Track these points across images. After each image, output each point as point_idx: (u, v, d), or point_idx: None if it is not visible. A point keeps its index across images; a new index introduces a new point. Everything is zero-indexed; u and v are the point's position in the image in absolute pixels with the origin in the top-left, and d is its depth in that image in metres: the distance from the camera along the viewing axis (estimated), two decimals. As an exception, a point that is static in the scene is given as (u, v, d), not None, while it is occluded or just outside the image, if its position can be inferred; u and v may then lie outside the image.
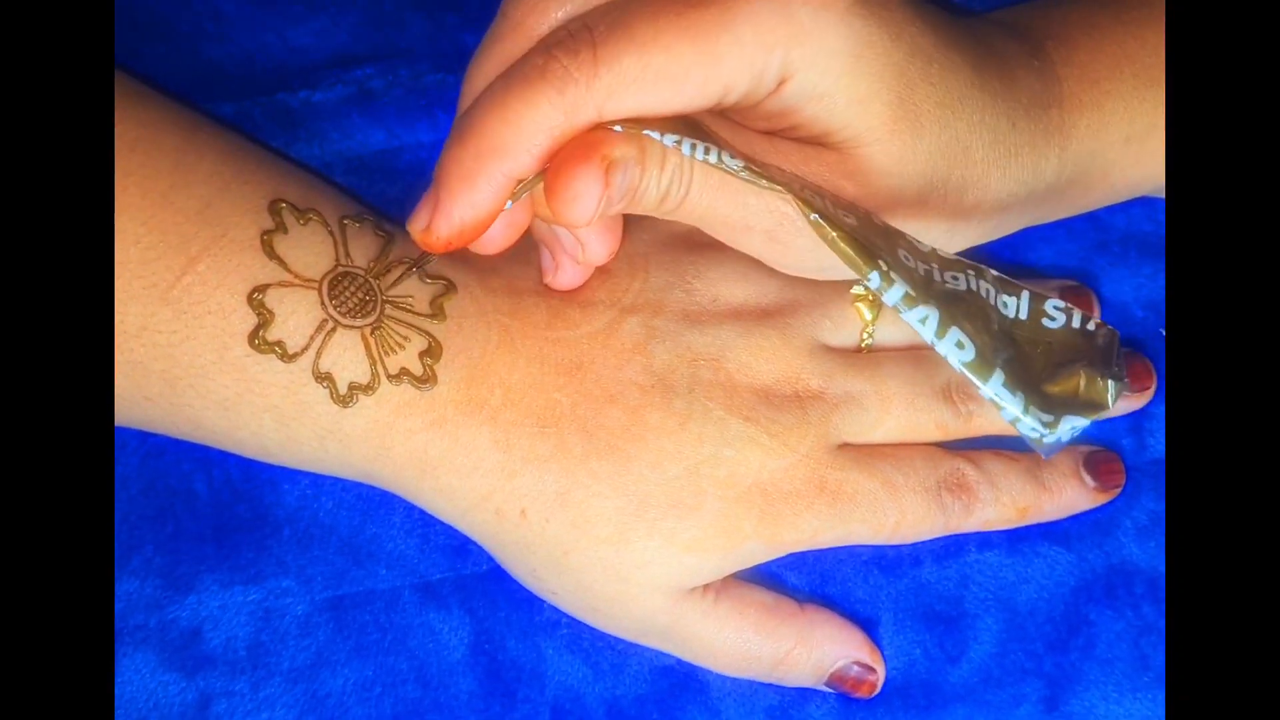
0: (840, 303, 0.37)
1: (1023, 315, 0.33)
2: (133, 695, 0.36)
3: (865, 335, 0.37)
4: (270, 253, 0.33)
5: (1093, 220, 0.40)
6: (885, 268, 0.30)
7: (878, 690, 0.36)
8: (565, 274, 0.35)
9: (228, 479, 0.37)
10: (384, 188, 0.39)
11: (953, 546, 0.37)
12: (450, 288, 0.35)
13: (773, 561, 0.36)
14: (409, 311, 0.34)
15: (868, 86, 0.31)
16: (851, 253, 0.29)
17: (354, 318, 0.34)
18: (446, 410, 0.34)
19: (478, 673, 0.36)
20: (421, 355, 0.34)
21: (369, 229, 0.35)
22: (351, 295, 0.34)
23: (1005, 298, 0.33)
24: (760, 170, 0.30)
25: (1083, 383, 0.32)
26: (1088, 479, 0.37)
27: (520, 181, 0.30)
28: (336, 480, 0.37)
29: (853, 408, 0.36)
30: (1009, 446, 0.37)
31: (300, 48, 0.39)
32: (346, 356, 0.33)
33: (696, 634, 0.35)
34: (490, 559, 0.37)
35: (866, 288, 0.37)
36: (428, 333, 0.34)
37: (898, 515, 0.35)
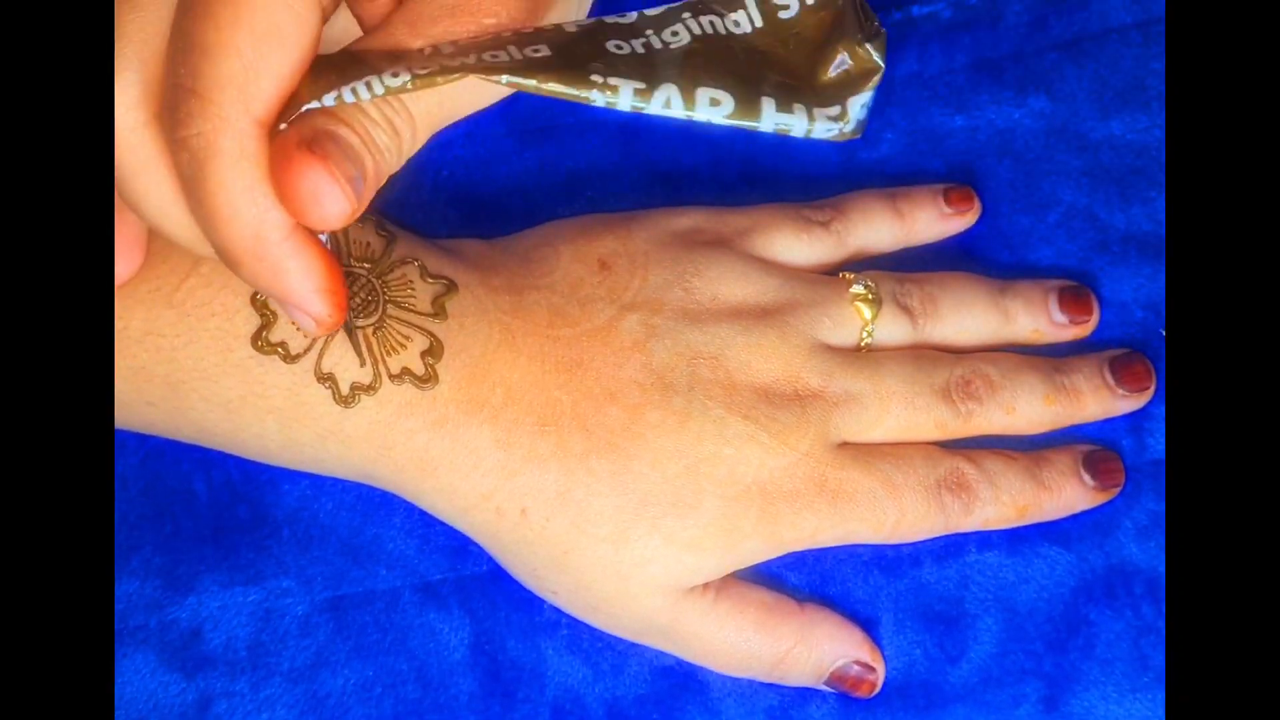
0: (839, 302, 0.37)
1: (758, 24, 0.30)
2: (133, 696, 0.36)
3: (865, 334, 0.37)
4: None
5: (1093, 220, 0.40)
6: (601, 80, 0.28)
7: (877, 690, 0.36)
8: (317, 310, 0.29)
9: (227, 479, 0.37)
10: (383, 188, 0.39)
11: (952, 547, 0.37)
12: (451, 287, 0.35)
13: (773, 561, 0.36)
14: (411, 311, 0.34)
15: None
16: (562, 88, 0.27)
17: (356, 318, 0.34)
18: (448, 410, 0.34)
19: (478, 673, 0.36)
20: (423, 355, 0.34)
21: (371, 229, 0.35)
22: (354, 295, 0.34)
23: (733, 16, 0.30)
24: (427, 71, 0.27)
25: (848, 60, 0.30)
26: (1087, 478, 0.37)
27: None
28: (336, 481, 0.37)
29: (852, 406, 0.36)
30: (1009, 446, 0.37)
31: (300, 47, 0.39)
32: (349, 357, 0.33)
33: (696, 633, 0.35)
34: (490, 559, 0.37)
35: (862, 289, 0.37)
36: (429, 332, 0.34)
37: (897, 514, 0.35)
